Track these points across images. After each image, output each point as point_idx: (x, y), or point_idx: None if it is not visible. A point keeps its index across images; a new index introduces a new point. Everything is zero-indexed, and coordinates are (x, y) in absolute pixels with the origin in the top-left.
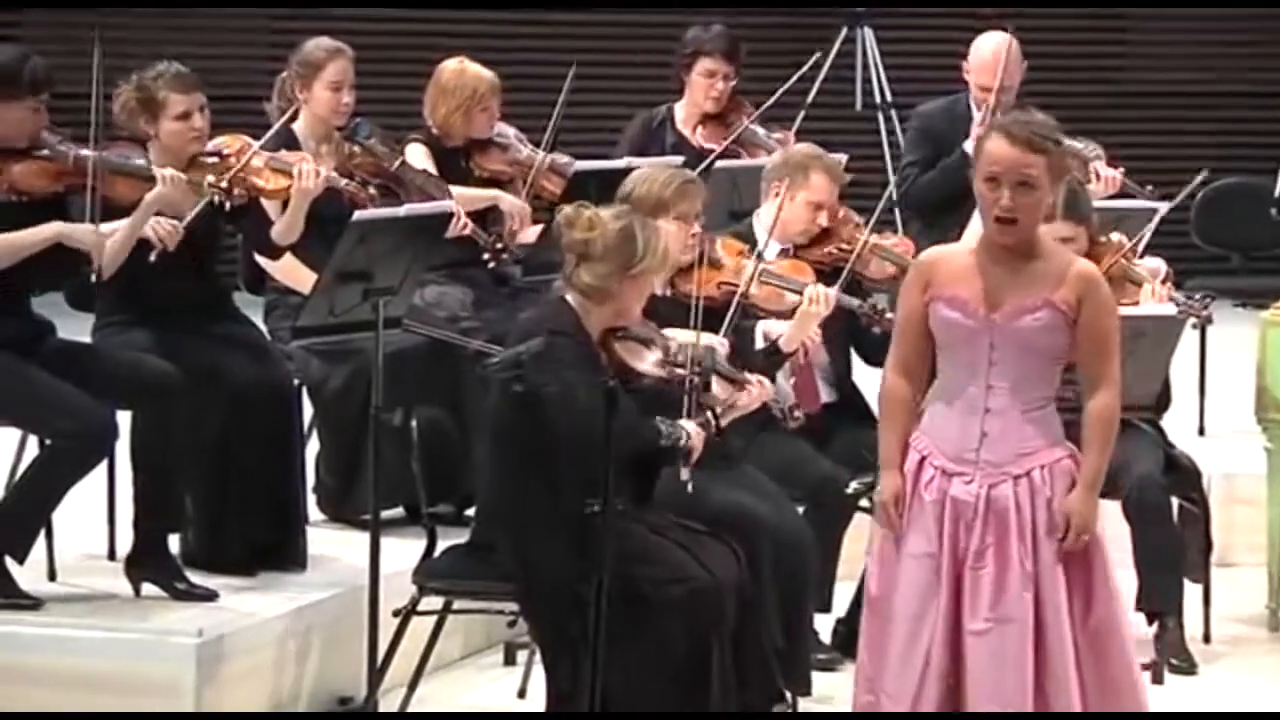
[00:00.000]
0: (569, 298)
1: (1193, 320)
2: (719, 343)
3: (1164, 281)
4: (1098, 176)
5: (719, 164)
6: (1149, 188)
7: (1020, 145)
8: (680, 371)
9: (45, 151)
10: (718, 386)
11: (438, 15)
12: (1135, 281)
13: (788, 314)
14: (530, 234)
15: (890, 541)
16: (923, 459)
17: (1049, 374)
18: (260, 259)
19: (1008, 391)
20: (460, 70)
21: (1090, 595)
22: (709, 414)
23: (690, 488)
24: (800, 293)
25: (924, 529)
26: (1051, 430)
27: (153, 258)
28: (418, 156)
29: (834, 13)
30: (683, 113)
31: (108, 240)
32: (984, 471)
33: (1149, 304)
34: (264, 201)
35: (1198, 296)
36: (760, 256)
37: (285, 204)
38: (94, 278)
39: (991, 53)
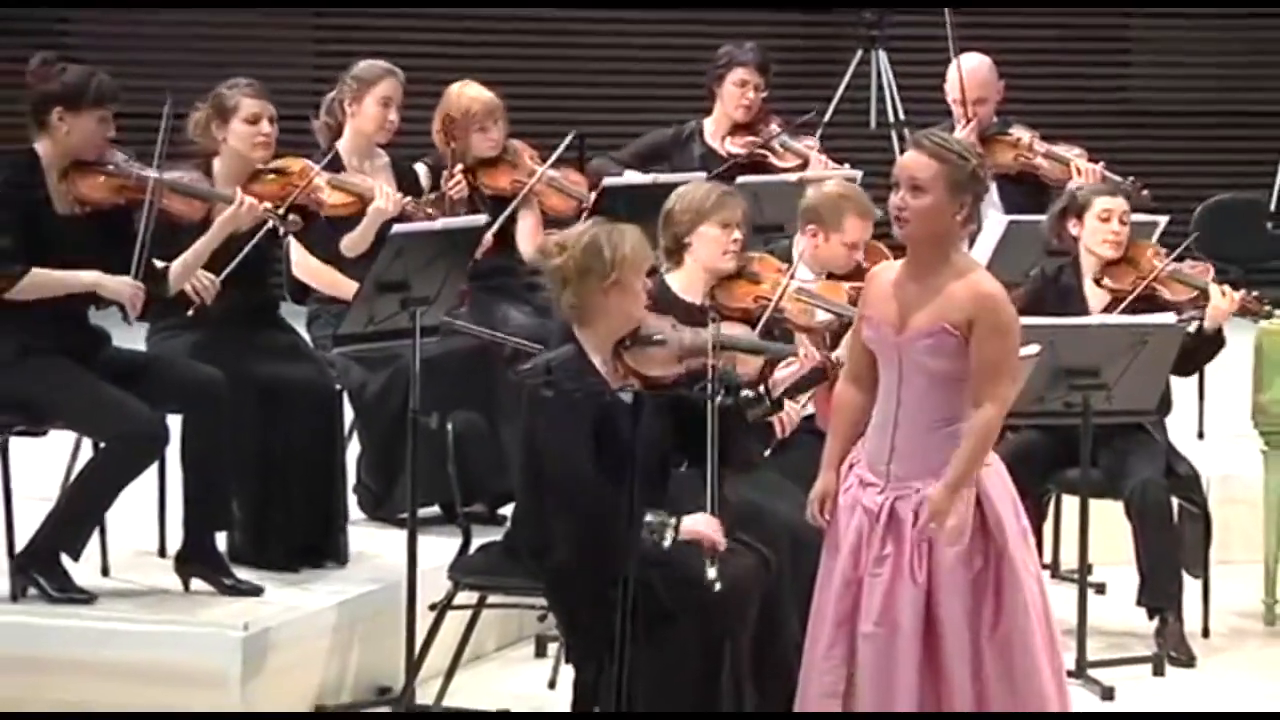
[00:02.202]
0: (569, 324)
1: (1253, 316)
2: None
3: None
4: (1079, 171)
5: (741, 179)
6: (1130, 179)
7: (922, 150)
8: (701, 360)
9: (110, 166)
10: (742, 369)
11: (483, 38)
12: (1196, 286)
13: (813, 330)
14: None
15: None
16: (852, 465)
17: (954, 394)
18: (298, 269)
19: (914, 409)
20: (459, 92)
21: (999, 607)
22: (763, 390)
23: (718, 587)
24: (830, 311)
25: (834, 530)
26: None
27: (190, 313)
28: (422, 172)
29: (849, 36)
30: (713, 125)
31: (173, 264)
32: (892, 485)
33: (1219, 303)
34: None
35: (1255, 294)
36: (791, 273)
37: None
38: (128, 323)
39: (953, 71)
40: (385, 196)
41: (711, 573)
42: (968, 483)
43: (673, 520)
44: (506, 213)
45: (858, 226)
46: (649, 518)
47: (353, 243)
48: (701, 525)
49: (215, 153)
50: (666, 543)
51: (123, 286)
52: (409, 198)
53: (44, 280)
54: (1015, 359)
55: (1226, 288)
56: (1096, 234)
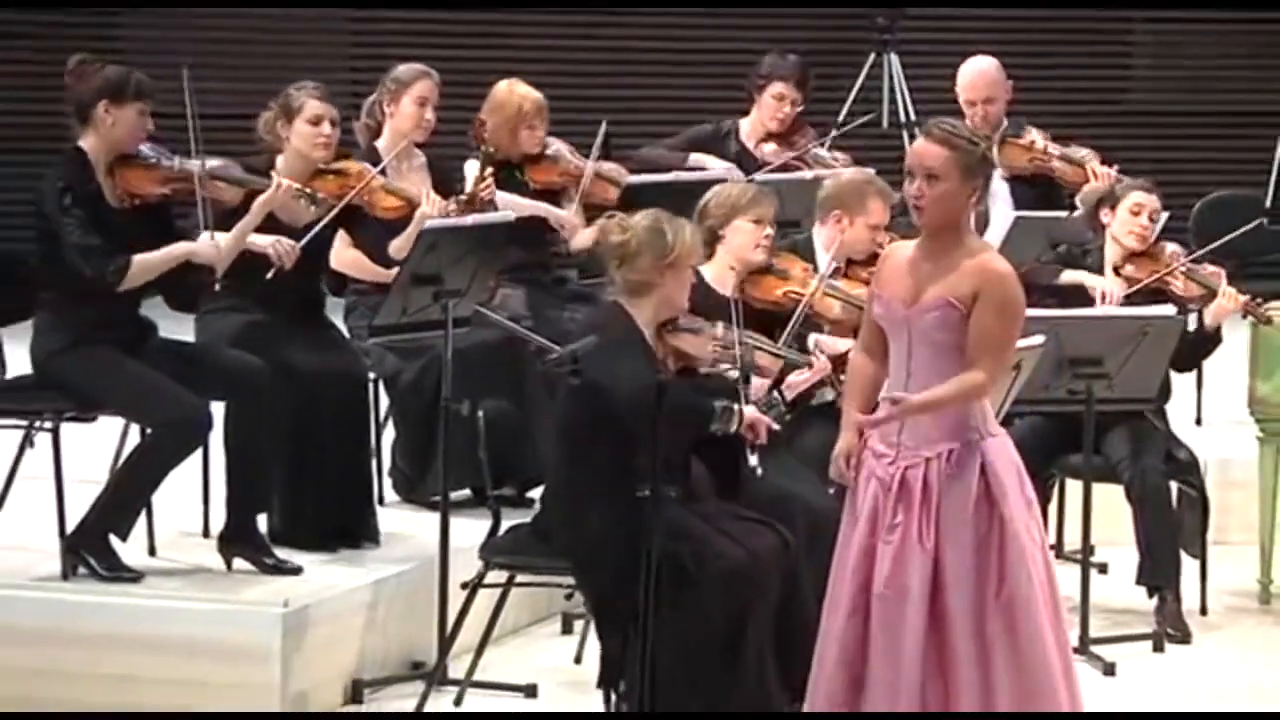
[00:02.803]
0: (620, 300)
1: (1253, 319)
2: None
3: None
4: (1094, 174)
5: (760, 175)
6: (1139, 181)
7: (932, 140)
8: (731, 352)
9: (152, 159)
10: (760, 361)
11: (514, 42)
12: (1207, 286)
13: (833, 322)
14: (586, 239)
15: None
16: (867, 439)
17: (960, 366)
18: (334, 260)
19: (923, 381)
20: (509, 90)
21: (1003, 572)
22: (776, 394)
23: (759, 472)
24: (857, 307)
25: (853, 500)
26: (966, 418)
27: (270, 275)
28: (470, 170)
29: (862, 39)
30: (748, 127)
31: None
32: (902, 454)
33: (1223, 302)
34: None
35: (1259, 299)
36: (823, 276)
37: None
38: (216, 288)
39: (964, 73)
40: (432, 203)
41: (753, 460)
42: (933, 408)
43: (736, 407)
44: (576, 200)
45: (880, 208)
46: (717, 405)
47: (398, 248)
48: (757, 415)
49: (280, 151)
50: (732, 428)
51: (210, 250)
52: (452, 203)
53: (146, 264)
54: (1013, 340)
55: (1232, 290)
56: (1125, 225)
